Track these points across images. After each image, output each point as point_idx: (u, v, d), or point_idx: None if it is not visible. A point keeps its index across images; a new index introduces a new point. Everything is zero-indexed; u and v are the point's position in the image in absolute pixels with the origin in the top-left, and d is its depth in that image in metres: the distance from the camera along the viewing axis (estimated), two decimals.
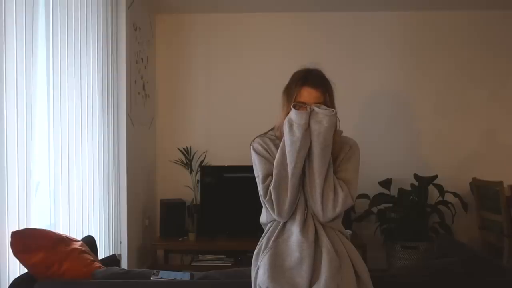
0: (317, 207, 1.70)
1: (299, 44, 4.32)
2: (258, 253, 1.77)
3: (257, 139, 1.84)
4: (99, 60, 3.04)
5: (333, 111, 1.69)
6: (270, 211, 1.73)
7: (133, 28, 3.68)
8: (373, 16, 4.31)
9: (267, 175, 1.75)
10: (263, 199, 1.75)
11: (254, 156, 1.81)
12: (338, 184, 1.71)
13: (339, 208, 1.69)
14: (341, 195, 1.69)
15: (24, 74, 2.06)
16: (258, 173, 1.77)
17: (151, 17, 4.23)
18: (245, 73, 4.38)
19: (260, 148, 1.80)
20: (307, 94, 1.72)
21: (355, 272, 1.68)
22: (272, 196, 1.70)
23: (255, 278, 1.73)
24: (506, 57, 4.29)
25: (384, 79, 4.34)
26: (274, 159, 1.75)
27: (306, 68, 1.80)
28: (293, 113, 1.70)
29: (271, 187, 1.71)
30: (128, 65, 3.50)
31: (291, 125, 1.68)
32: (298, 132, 1.67)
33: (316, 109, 1.68)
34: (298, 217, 1.71)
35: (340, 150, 1.79)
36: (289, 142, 1.68)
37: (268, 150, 1.79)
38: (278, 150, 1.73)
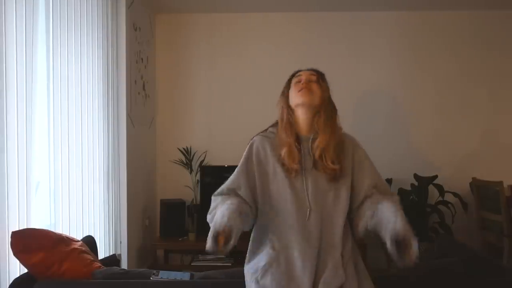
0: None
1: (299, 44, 4.32)
2: (252, 253, 1.76)
3: (257, 140, 1.79)
4: (99, 60, 3.04)
5: None
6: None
7: (133, 28, 3.67)
8: (372, 16, 4.31)
9: (232, 189, 1.73)
10: (214, 193, 1.75)
11: (242, 158, 1.78)
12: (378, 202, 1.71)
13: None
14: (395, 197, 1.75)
15: (24, 76, 2.06)
16: (231, 176, 1.76)
17: (151, 17, 4.23)
18: (245, 73, 4.38)
19: (253, 153, 1.76)
20: (302, 73, 1.79)
21: (358, 270, 1.69)
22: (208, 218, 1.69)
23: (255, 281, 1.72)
24: (506, 57, 4.29)
25: (384, 79, 4.34)
26: (264, 164, 1.73)
27: None
28: None
29: (208, 217, 1.68)
30: (128, 65, 3.50)
31: None
32: None
33: None
34: (297, 224, 1.68)
35: (340, 151, 1.72)
36: None
37: (264, 153, 1.75)
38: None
